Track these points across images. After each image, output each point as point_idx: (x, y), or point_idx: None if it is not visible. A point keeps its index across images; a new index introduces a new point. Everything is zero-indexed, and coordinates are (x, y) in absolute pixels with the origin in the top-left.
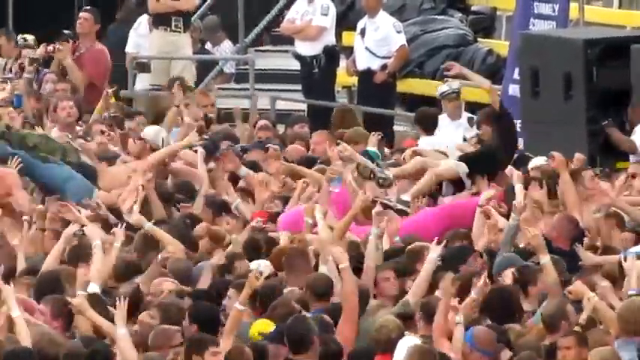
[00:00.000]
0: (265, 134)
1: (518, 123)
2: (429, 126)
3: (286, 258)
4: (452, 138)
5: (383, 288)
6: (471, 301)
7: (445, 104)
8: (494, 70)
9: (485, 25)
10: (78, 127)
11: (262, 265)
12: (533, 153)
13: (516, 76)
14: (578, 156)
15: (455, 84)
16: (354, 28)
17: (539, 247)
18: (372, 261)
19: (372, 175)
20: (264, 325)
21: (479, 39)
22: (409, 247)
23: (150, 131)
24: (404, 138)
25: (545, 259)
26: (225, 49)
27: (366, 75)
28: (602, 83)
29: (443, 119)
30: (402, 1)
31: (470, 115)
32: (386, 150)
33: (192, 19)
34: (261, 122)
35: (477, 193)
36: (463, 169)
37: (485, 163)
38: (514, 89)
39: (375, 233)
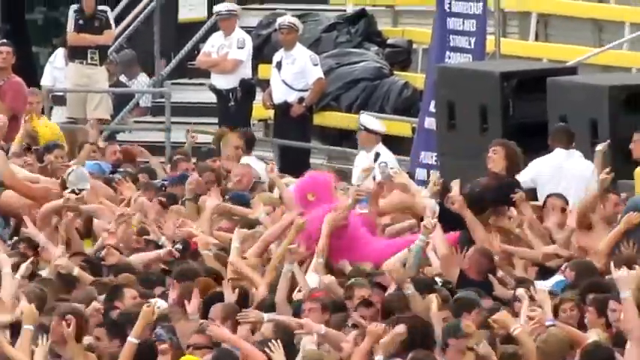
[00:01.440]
0: (183, 167)
1: (434, 156)
2: None
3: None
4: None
5: None
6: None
7: (359, 136)
8: (410, 103)
9: (401, 58)
10: None
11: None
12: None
13: (432, 109)
14: (604, 176)
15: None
16: (270, 61)
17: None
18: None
19: None
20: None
21: (395, 72)
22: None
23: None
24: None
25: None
26: (140, 82)
27: (282, 108)
28: (518, 116)
29: (362, 152)
30: (318, 34)
31: (379, 150)
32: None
33: (109, 52)
34: (179, 156)
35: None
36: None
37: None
38: (430, 122)
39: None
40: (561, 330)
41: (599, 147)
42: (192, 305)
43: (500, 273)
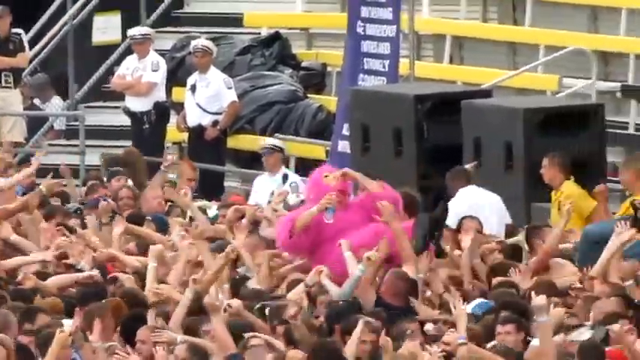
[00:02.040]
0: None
1: None
2: None
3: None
4: (265, 192)
5: None
6: None
7: (264, 158)
8: (324, 126)
9: (315, 81)
10: None
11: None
12: None
13: (345, 132)
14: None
15: (276, 141)
16: (184, 84)
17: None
18: None
19: None
20: None
21: (309, 95)
22: None
23: None
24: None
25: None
26: (54, 105)
27: (196, 131)
28: (432, 139)
29: (264, 175)
30: (233, 57)
31: (286, 171)
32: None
33: (23, 74)
34: (93, 181)
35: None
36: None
37: None
38: (343, 145)
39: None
40: (469, 349)
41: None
42: (95, 331)
43: (428, 293)
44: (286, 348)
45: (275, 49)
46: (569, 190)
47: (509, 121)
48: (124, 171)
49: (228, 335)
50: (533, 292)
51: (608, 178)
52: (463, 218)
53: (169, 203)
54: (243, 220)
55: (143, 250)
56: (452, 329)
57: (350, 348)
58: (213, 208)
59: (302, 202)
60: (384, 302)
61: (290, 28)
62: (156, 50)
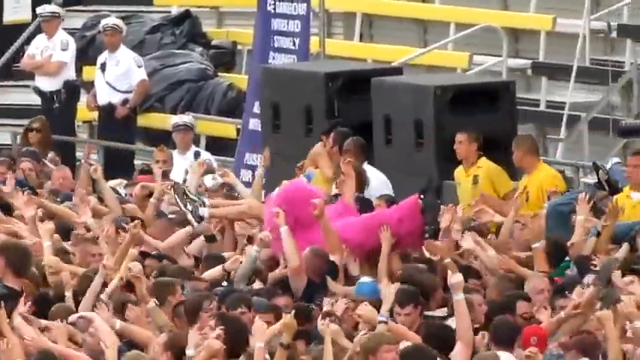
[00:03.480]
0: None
1: (259, 157)
2: None
3: None
4: (177, 170)
5: None
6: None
7: (175, 136)
8: (235, 105)
9: (225, 59)
10: None
11: None
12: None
13: (256, 110)
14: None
15: (187, 118)
16: (94, 63)
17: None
18: None
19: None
20: None
21: (219, 73)
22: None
23: None
24: None
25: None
26: None
27: (106, 109)
28: (343, 117)
29: (174, 152)
30: (143, 36)
31: (197, 149)
32: (124, 182)
33: None
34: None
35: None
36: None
37: None
38: (254, 123)
39: None
40: (389, 327)
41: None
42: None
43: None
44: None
45: (185, 27)
46: (487, 166)
47: (420, 99)
48: (34, 148)
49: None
50: (449, 271)
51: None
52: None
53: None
54: (151, 199)
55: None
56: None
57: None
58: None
59: (222, 185)
60: (310, 281)
61: (200, 7)
62: (66, 29)
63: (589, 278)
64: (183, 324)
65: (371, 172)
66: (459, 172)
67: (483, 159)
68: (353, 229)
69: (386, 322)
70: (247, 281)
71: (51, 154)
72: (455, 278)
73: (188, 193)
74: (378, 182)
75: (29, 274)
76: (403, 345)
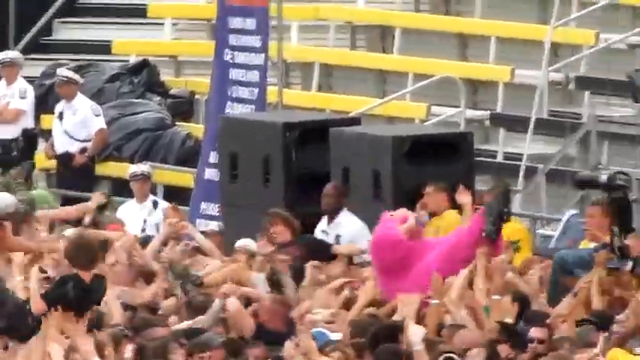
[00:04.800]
0: None
1: (215, 207)
2: None
3: None
4: (134, 220)
5: None
6: None
7: (133, 185)
8: (192, 154)
9: (183, 108)
10: None
11: None
12: (233, 238)
13: (212, 160)
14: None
15: (145, 167)
16: (52, 112)
17: None
18: None
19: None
20: None
21: (177, 122)
22: None
23: None
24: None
25: None
26: None
27: (64, 158)
28: (301, 166)
29: (131, 202)
30: (101, 85)
31: (155, 198)
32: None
33: None
34: None
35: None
36: None
37: None
38: (210, 173)
39: None
40: None
41: None
42: None
43: None
44: None
45: (143, 76)
46: (451, 217)
47: (378, 150)
48: None
49: None
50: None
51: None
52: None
53: None
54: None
55: None
56: None
57: None
58: None
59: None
60: (267, 329)
61: (158, 56)
62: (25, 77)
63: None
64: None
65: (349, 219)
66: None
67: (450, 211)
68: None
69: None
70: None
71: None
72: (414, 329)
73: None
74: (355, 229)
75: None
76: None
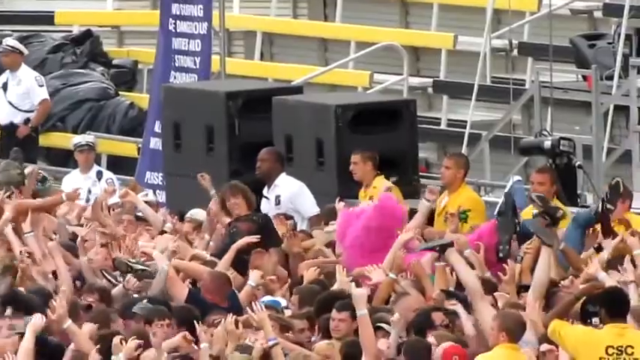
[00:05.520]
0: None
1: (159, 176)
2: None
3: None
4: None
5: None
6: None
7: (77, 156)
8: (135, 124)
9: (126, 78)
10: None
11: None
12: (175, 207)
13: (157, 129)
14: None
15: (89, 137)
16: None
17: None
18: None
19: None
20: None
21: (120, 92)
22: None
23: None
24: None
25: None
26: None
27: (8, 129)
28: (244, 135)
29: (75, 172)
30: (44, 55)
31: (100, 168)
32: None
33: None
34: None
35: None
36: None
37: None
38: (155, 142)
39: None
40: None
41: None
42: None
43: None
44: None
45: (86, 47)
46: (380, 185)
47: (320, 118)
48: None
49: None
50: (352, 283)
51: (421, 174)
52: None
53: None
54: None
55: None
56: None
57: None
58: None
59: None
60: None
61: (101, 26)
62: None
63: None
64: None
65: (285, 180)
66: (360, 193)
67: (378, 178)
68: None
69: (277, 344)
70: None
71: None
72: (358, 291)
73: (132, 265)
74: (293, 188)
75: None
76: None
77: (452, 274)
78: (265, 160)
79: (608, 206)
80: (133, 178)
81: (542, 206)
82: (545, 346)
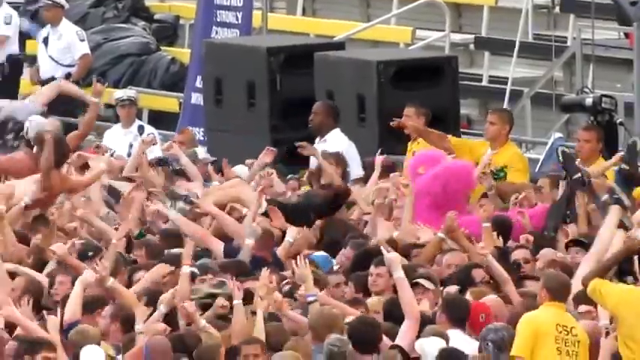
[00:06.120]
0: None
1: (201, 131)
2: None
3: None
4: (120, 145)
5: None
6: None
7: (119, 110)
8: (177, 79)
9: (168, 33)
10: None
11: None
12: (219, 162)
13: (199, 84)
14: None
15: (131, 92)
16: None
17: None
18: None
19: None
20: None
21: (162, 47)
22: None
23: None
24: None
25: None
26: None
27: (49, 83)
28: (285, 91)
29: (117, 127)
30: (86, 10)
31: (141, 123)
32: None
33: None
34: None
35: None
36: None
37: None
38: (197, 97)
39: None
40: (324, 304)
41: None
42: None
43: None
44: None
45: (128, 1)
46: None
47: (362, 74)
48: None
49: None
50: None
51: (462, 130)
52: None
53: None
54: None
55: None
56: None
57: None
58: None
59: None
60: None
61: None
62: (9, 3)
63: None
64: None
65: (336, 136)
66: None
67: None
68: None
69: (316, 300)
70: None
71: None
72: (390, 255)
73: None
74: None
75: None
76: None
77: (498, 236)
78: (318, 113)
79: (623, 166)
80: (175, 133)
81: (563, 162)
82: (583, 307)
